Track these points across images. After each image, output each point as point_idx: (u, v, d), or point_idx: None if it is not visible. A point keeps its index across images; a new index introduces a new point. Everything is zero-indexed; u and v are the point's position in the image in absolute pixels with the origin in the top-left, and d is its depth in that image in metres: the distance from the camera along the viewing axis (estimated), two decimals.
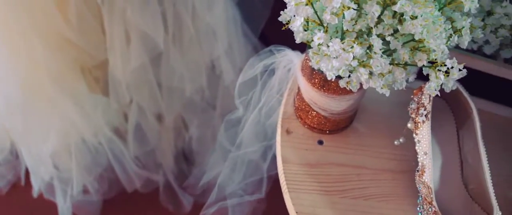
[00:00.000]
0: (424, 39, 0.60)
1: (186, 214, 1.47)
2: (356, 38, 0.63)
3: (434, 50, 0.61)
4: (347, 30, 0.61)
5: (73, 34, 1.09)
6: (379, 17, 0.61)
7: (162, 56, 1.22)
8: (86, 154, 1.36)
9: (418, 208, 0.74)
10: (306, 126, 0.81)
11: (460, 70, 0.61)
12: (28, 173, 1.44)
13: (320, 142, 0.81)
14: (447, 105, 0.81)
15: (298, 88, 0.79)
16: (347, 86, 0.65)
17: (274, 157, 0.83)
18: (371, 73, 0.62)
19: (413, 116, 0.75)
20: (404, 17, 0.60)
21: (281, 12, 0.65)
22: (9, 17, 1.01)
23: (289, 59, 0.79)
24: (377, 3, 0.60)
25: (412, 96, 0.77)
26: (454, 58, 0.61)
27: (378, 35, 0.61)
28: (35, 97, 1.17)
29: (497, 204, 0.69)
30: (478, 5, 0.63)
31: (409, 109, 0.76)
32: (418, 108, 0.74)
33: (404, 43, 0.62)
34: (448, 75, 0.61)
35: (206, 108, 1.38)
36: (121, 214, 1.50)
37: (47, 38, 1.08)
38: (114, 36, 1.13)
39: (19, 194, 1.50)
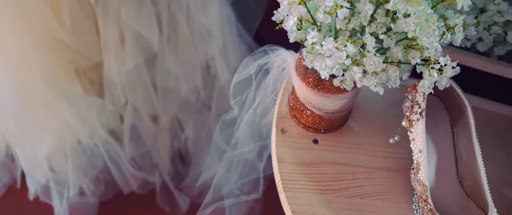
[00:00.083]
0: (417, 37, 0.60)
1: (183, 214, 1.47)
2: (350, 37, 0.63)
3: (427, 48, 0.61)
4: (340, 29, 0.61)
5: (67, 35, 1.08)
6: (372, 15, 0.61)
7: (157, 57, 1.22)
8: (81, 156, 1.36)
9: (414, 206, 0.74)
10: (301, 125, 0.81)
11: (453, 67, 0.61)
12: (24, 176, 1.44)
13: (315, 141, 0.81)
14: (442, 103, 0.81)
15: (293, 87, 0.79)
16: (341, 85, 0.65)
17: (270, 157, 0.83)
18: (365, 71, 0.62)
19: (407, 114, 0.75)
20: (397, 15, 0.60)
21: (275, 12, 0.65)
22: (2, 19, 1.01)
23: (283, 58, 0.79)
24: (370, 1, 0.60)
25: (406, 94, 0.77)
26: (448, 55, 0.61)
27: (371, 34, 0.61)
28: (30, 100, 1.17)
29: (492, 200, 0.69)
30: (471, 3, 0.63)
31: (403, 107, 0.77)
32: (412, 106, 0.74)
33: (397, 41, 0.63)
34: (441, 73, 0.61)
35: (202, 108, 1.38)
36: None
37: (40, 40, 1.07)
38: (108, 38, 1.13)
39: (15, 197, 1.50)
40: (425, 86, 0.62)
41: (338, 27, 0.61)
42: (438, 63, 0.61)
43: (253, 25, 1.33)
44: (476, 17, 0.78)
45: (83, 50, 1.15)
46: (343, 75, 0.64)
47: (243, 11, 1.29)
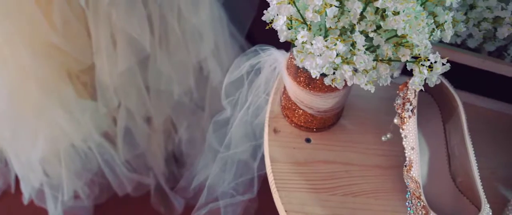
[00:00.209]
0: (407, 35, 0.60)
1: None
2: (340, 35, 0.63)
3: (417, 45, 0.61)
4: (330, 27, 0.61)
5: (59, 39, 1.08)
6: (361, 13, 0.61)
7: (149, 59, 1.22)
8: (75, 159, 1.36)
9: (407, 203, 0.74)
10: (293, 125, 0.81)
11: (443, 64, 0.61)
12: (18, 180, 1.43)
13: (308, 140, 0.81)
14: (433, 100, 0.81)
15: (284, 87, 0.79)
16: (332, 83, 0.65)
17: (264, 156, 0.83)
18: (355, 70, 0.62)
19: (399, 111, 0.76)
20: (386, 13, 0.60)
21: (265, 12, 0.65)
22: None
23: (274, 58, 0.79)
24: None
25: (397, 91, 0.77)
26: (437, 52, 0.61)
27: (361, 32, 0.61)
28: (22, 104, 1.17)
29: (485, 196, 0.70)
30: None
31: (395, 104, 0.77)
32: (404, 103, 0.75)
33: (387, 39, 0.63)
34: (431, 70, 0.61)
35: (195, 109, 1.38)
36: None
37: (32, 44, 1.07)
38: (100, 40, 1.12)
39: (9, 202, 1.49)
40: (415, 83, 0.62)
41: (327, 26, 0.61)
42: (428, 60, 0.61)
43: (245, 25, 1.33)
44: (465, 14, 0.78)
45: (75, 54, 1.15)
46: (334, 74, 0.64)
47: (234, 11, 1.30)
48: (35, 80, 1.13)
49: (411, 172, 0.72)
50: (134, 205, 1.49)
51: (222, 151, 0.98)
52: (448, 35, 0.64)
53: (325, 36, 0.62)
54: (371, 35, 0.62)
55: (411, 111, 0.73)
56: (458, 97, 0.75)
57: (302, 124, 0.81)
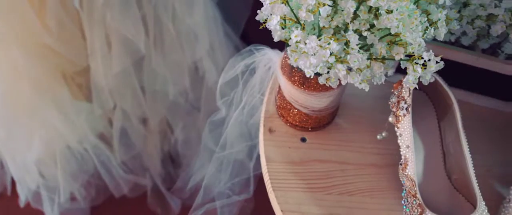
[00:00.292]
0: (400, 33, 0.60)
1: None
2: (333, 34, 0.63)
3: (411, 44, 0.61)
4: (323, 26, 0.61)
5: (53, 40, 1.08)
6: (355, 12, 0.61)
7: (144, 60, 1.22)
8: (71, 161, 1.36)
9: (403, 201, 0.74)
10: (288, 124, 0.81)
11: (437, 62, 0.61)
12: (14, 183, 1.43)
13: (303, 140, 0.81)
14: (428, 98, 0.81)
15: (279, 86, 0.79)
16: (326, 82, 0.65)
17: (259, 156, 0.83)
18: (350, 69, 0.62)
19: (394, 109, 0.76)
20: (379, 11, 0.60)
21: (258, 11, 0.64)
22: None
23: (269, 58, 0.79)
24: None
25: (392, 90, 0.77)
26: (431, 50, 0.61)
27: (354, 31, 0.61)
28: (17, 106, 1.17)
29: (480, 194, 0.70)
30: None
31: (389, 102, 0.77)
32: (398, 102, 0.75)
33: (381, 37, 0.63)
34: (425, 68, 0.61)
35: (191, 109, 1.38)
36: None
37: (26, 45, 1.07)
38: (94, 42, 1.12)
39: (5, 204, 1.49)
40: (409, 81, 0.62)
41: (321, 25, 0.61)
42: (422, 58, 0.61)
43: (239, 25, 1.33)
44: (459, 12, 0.78)
45: (69, 55, 1.15)
46: (328, 73, 0.64)
47: (229, 11, 1.29)
48: (28, 81, 1.12)
49: (407, 170, 0.72)
50: (130, 206, 1.49)
51: (217, 151, 0.98)
52: (441, 33, 0.64)
53: (319, 36, 0.62)
54: (364, 34, 0.62)
55: (405, 109, 0.73)
56: (452, 95, 0.75)
57: (297, 123, 0.80)
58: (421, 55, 0.61)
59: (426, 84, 0.63)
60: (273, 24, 0.62)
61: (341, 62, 0.61)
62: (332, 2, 0.60)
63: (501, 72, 0.80)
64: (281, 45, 0.72)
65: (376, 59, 0.63)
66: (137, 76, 1.25)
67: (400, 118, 0.74)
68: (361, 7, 0.61)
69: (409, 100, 0.73)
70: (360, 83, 0.62)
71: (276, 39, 0.64)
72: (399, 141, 0.74)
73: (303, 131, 0.81)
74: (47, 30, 1.06)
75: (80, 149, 1.34)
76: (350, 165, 0.79)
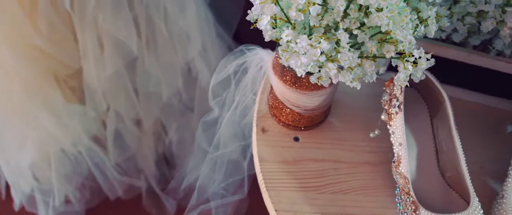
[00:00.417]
0: (391, 31, 0.60)
1: None
2: (324, 33, 0.63)
3: (402, 41, 0.61)
4: (314, 26, 0.61)
5: (44, 43, 1.08)
6: (345, 11, 0.61)
7: (136, 61, 1.21)
8: (66, 164, 1.35)
9: (396, 199, 0.74)
10: (281, 124, 0.81)
11: (428, 59, 0.61)
12: (8, 187, 1.42)
13: (296, 139, 0.81)
14: (420, 96, 0.81)
15: (271, 86, 0.79)
16: (318, 82, 0.65)
17: (253, 156, 0.83)
18: (341, 67, 0.62)
19: (386, 107, 0.76)
20: (369, 10, 0.60)
21: (249, 11, 0.64)
22: None
23: (260, 57, 0.79)
24: None
25: (384, 88, 0.77)
26: (421, 48, 0.61)
27: (345, 29, 0.61)
28: (10, 109, 1.16)
29: (474, 190, 0.70)
30: None
31: (382, 100, 0.77)
32: (390, 99, 0.75)
33: (371, 36, 0.63)
34: (416, 66, 0.62)
35: (184, 110, 1.38)
36: None
37: (17, 49, 1.06)
38: (86, 44, 1.12)
39: (0, 209, 1.48)
40: (400, 79, 0.62)
41: (311, 24, 0.61)
42: (413, 56, 0.61)
43: (232, 25, 1.33)
44: (449, 9, 0.78)
45: (61, 58, 1.14)
46: (319, 72, 0.64)
47: (221, 11, 1.29)
48: (21, 85, 1.12)
49: (400, 168, 0.72)
50: (125, 208, 1.49)
51: (211, 151, 0.98)
52: (432, 31, 0.64)
53: (310, 35, 0.62)
54: (355, 32, 0.62)
55: (398, 106, 0.73)
56: (444, 92, 0.76)
57: (290, 122, 0.80)
58: (411, 53, 0.61)
59: (417, 81, 0.63)
60: (264, 24, 0.62)
61: (332, 61, 0.60)
62: (322, 1, 0.60)
63: (492, 69, 0.80)
64: (273, 45, 0.72)
65: (367, 57, 0.63)
66: (130, 78, 1.24)
67: (392, 115, 0.74)
68: (351, 6, 0.61)
69: (401, 98, 0.73)
70: (351, 81, 0.62)
71: (267, 39, 0.64)
72: (391, 139, 0.74)
73: (296, 130, 0.81)
74: (38, 32, 1.05)
75: (74, 151, 1.34)
76: (343, 163, 0.79)
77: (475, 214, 0.68)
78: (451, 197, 0.74)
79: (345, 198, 0.75)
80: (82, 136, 1.31)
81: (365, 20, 0.61)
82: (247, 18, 0.64)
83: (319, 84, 0.65)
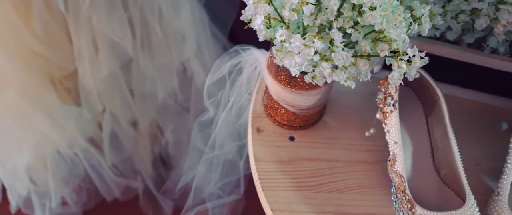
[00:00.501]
0: (385, 30, 0.60)
1: None
2: (318, 32, 0.63)
3: (395, 40, 0.61)
4: (308, 25, 0.61)
5: (39, 45, 1.07)
6: (338, 10, 0.61)
7: (132, 62, 1.21)
8: (62, 166, 1.35)
9: (392, 197, 0.74)
10: (276, 123, 0.81)
11: (422, 58, 0.61)
12: (4, 189, 1.42)
13: (292, 138, 0.81)
14: (415, 94, 0.81)
15: (266, 86, 0.79)
16: (312, 81, 0.65)
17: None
18: (335, 66, 0.62)
19: (381, 106, 0.76)
20: (363, 8, 0.60)
21: (243, 11, 0.64)
22: None
23: (255, 57, 0.79)
24: None
25: (379, 86, 0.77)
26: (415, 46, 0.61)
27: (339, 29, 0.61)
28: (5, 112, 1.16)
29: (469, 188, 0.70)
30: None
31: (377, 99, 0.77)
32: (385, 98, 0.75)
33: (365, 34, 0.63)
34: (410, 64, 0.62)
35: (180, 111, 1.38)
36: None
37: (12, 51, 1.06)
38: (81, 45, 1.12)
39: None
40: (394, 78, 0.62)
41: (305, 23, 0.61)
42: (407, 54, 0.61)
43: (226, 25, 1.33)
44: (443, 7, 0.78)
45: (56, 60, 1.14)
46: (313, 71, 0.64)
47: (215, 11, 1.29)
48: (15, 86, 1.12)
49: (395, 166, 0.72)
50: (122, 209, 1.49)
51: (206, 151, 0.98)
52: (425, 29, 0.64)
53: (304, 34, 0.62)
54: (349, 31, 0.62)
55: (392, 105, 0.73)
56: (439, 90, 0.76)
57: (285, 122, 0.80)
58: (405, 51, 0.61)
59: (411, 80, 0.63)
60: (257, 24, 0.62)
61: (326, 60, 0.61)
62: (315, 0, 0.60)
63: (486, 66, 0.80)
64: (268, 45, 0.72)
65: (361, 56, 0.63)
66: (125, 79, 1.24)
67: (387, 114, 0.74)
68: (345, 5, 0.61)
69: (395, 97, 0.73)
70: (345, 80, 0.62)
71: (261, 39, 0.64)
72: (387, 137, 0.74)
73: (291, 129, 0.81)
74: (33, 35, 1.05)
75: (70, 153, 1.34)
76: (339, 162, 0.79)
77: (471, 212, 0.68)
78: (446, 195, 0.74)
79: (341, 197, 0.76)
80: (78, 138, 1.31)
81: (359, 19, 0.61)
82: (241, 18, 0.65)
83: (313, 83, 0.65)
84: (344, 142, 0.81)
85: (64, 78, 1.22)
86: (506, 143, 0.76)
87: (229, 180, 1.11)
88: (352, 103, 0.86)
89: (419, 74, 0.64)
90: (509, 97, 0.85)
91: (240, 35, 1.33)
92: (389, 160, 0.74)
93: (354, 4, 0.61)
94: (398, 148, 0.72)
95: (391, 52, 0.62)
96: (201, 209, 1.14)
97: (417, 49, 0.61)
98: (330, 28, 0.62)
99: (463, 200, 0.70)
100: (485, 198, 0.75)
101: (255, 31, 0.64)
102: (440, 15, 0.71)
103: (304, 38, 0.60)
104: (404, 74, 0.63)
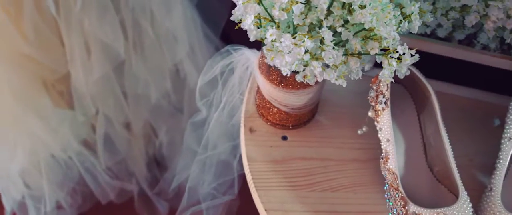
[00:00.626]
0: (374, 28, 0.60)
1: None
2: (308, 31, 0.63)
3: (385, 38, 0.61)
4: (298, 24, 0.61)
5: (31, 49, 1.07)
6: (328, 9, 0.61)
7: (124, 64, 1.21)
8: (56, 169, 1.34)
9: (386, 195, 0.74)
10: (269, 123, 0.81)
11: (412, 55, 0.62)
12: None
13: (284, 138, 0.81)
14: (406, 91, 0.82)
15: (258, 86, 0.79)
16: (304, 80, 0.65)
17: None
18: (327, 65, 0.62)
19: (373, 104, 0.76)
20: (353, 7, 0.61)
21: (233, 12, 0.64)
22: None
23: (246, 57, 0.79)
24: None
25: (370, 84, 0.77)
26: (405, 44, 0.61)
27: (329, 27, 0.61)
28: None
29: (462, 184, 0.70)
30: None
31: (368, 97, 0.77)
32: (377, 96, 0.75)
33: (355, 33, 0.63)
34: (400, 62, 0.62)
35: (174, 112, 1.37)
36: None
37: (3, 54, 1.06)
38: (73, 48, 1.11)
39: None
40: (385, 75, 0.62)
41: (295, 23, 0.61)
42: (397, 52, 0.61)
43: (219, 26, 1.33)
44: (433, 4, 0.78)
45: (49, 63, 1.14)
46: (304, 70, 0.64)
47: (207, 12, 1.29)
48: (9, 91, 1.11)
49: (388, 164, 0.72)
50: (117, 211, 1.48)
51: (200, 152, 0.98)
52: (415, 26, 0.65)
53: (294, 33, 0.62)
54: (339, 30, 0.62)
55: (384, 103, 0.73)
56: (430, 87, 0.76)
57: (277, 122, 0.80)
58: (396, 49, 0.61)
59: (402, 77, 0.63)
60: (248, 24, 0.62)
61: (316, 59, 0.61)
62: None
63: (478, 63, 0.80)
64: (260, 44, 0.72)
65: (352, 54, 0.63)
66: (118, 81, 1.24)
67: (379, 112, 0.74)
68: (335, 3, 0.61)
69: (387, 94, 0.73)
70: (336, 79, 0.62)
71: (252, 38, 0.64)
72: (379, 135, 0.74)
73: (283, 129, 0.81)
74: (24, 38, 1.05)
75: (64, 156, 1.33)
76: (332, 161, 0.79)
77: (464, 208, 0.68)
78: (440, 192, 0.74)
79: (335, 196, 0.76)
80: (71, 141, 1.31)
81: (349, 18, 0.61)
82: (231, 18, 0.64)
83: (305, 82, 0.65)
84: (336, 141, 0.81)
85: (56, 82, 1.21)
86: (498, 139, 0.76)
87: (223, 180, 1.11)
88: (344, 102, 0.86)
89: (410, 72, 0.64)
90: (501, 94, 0.85)
91: (232, 35, 1.33)
92: (382, 158, 0.74)
93: (344, 3, 0.61)
94: (390, 145, 0.72)
95: (381, 50, 0.62)
96: (196, 210, 1.14)
97: (407, 46, 0.61)
98: (320, 27, 0.62)
99: (456, 196, 0.71)
100: (478, 194, 0.75)
101: (246, 31, 0.64)
102: (430, 12, 0.71)
103: (294, 38, 0.60)
104: (395, 72, 0.63)
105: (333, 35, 0.60)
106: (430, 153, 0.77)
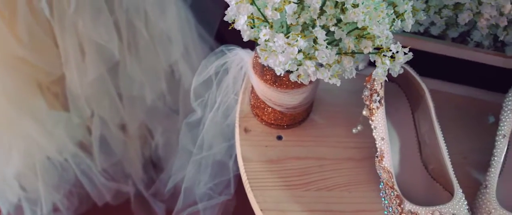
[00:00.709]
0: (368, 27, 0.60)
1: None
2: (302, 31, 0.63)
3: (379, 36, 0.61)
4: (291, 24, 0.61)
5: (25, 51, 1.07)
6: (321, 8, 0.61)
7: (119, 65, 1.21)
8: (52, 171, 1.34)
9: (381, 193, 0.74)
10: (263, 123, 0.81)
11: (405, 53, 0.62)
12: None
13: (279, 137, 0.81)
14: (401, 89, 0.82)
15: (252, 86, 0.79)
16: (298, 79, 0.65)
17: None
18: (320, 65, 0.62)
19: (367, 102, 0.76)
20: (345, 6, 0.61)
21: (226, 12, 0.64)
22: None
23: (240, 57, 0.79)
24: None
25: (364, 83, 0.77)
26: (398, 42, 0.61)
27: (322, 27, 0.61)
28: None
29: (457, 181, 0.70)
30: None
31: (363, 96, 0.77)
32: (371, 95, 0.75)
33: (348, 32, 0.63)
34: (394, 60, 0.62)
35: (169, 113, 1.37)
36: None
37: None
38: (68, 50, 1.11)
39: None
40: (379, 74, 0.62)
41: (288, 22, 0.61)
42: (390, 50, 0.61)
43: (213, 26, 1.33)
44: (426, 2, 0.78)
45: (43, 65, 1.13)
46: (297, 70, 0.64)
47: (202, 12, 1.29)
48: (4, 93, 1.11)
49: (383, 162, 0.72)
50: (114, 213, 1.48)
51: (195, 153, 0.98)
52: (408, 25, 0.65)
53: (287, 33, 0.62)
54: (332, 29, 0.62)
55: (378, 101, 0.73)
56: (424, 85, 0.76)
57: (272, 121, 0.80)
58: (389, 48, 0.61)
59: (395, 76, 0.63)
60: (241, 24, 0.62)
61: (310, 58, 0.61)
62: None
63: (472, 60, 0.80)
64: (254, 44, 0.72)
65: (345, 53, 0.63)
66: (113, 83, 1.24)
67: (373, 110, 0.74)
68: (327, 3, 0.61)
69: (381, 93, 0.73)
70: (330, 78, 0.62)
71: (245, 39, 0.64)
72: (374, 134, 0.74)
73: (278, 129, 0.81)
74: (19, 41, 1.05)
75: (60, 159, 1.33)
76: (327, 160, 0.79)
77: (459, 205, 0.68)
78: (435, 189, 0.74)
79: (330, 195, 0.76)
80: (67, 143, 1.30)
81: (342, 17, 0.61)
82: (225, 18, 0.64)
83: (299, 82, 0.65)
84: (331, 140, 0.81)
85: (51, 84, 1.21)
86: (493, 136, 0.76)
87: (219, 181, 1.11)
88: (339, 101, 0.86)
89: (403, 70, 0.64)
90: (495, 91, 0.85)
91: (226, 35, 1.33)
92: (377, 156, 0.74)
93: (337, 2, 0.61)
94: (385, 144, 0.72)
95: (375, 48, 0.62)
96: (192, 210, 1.14)
97: (401, 45, 0.61)
98: (314, 26, 0.62)
99: (451, 194, 0.71)
100: (473, 192, 0.75)
101: (240, 31, 0.64)
102: (423, 10, 0.71)
103: (287, 37, 0.60)
104: (389, 70, 0.63)
105: (326, 35, 0.60)
106: (425, 151, 0.77)
